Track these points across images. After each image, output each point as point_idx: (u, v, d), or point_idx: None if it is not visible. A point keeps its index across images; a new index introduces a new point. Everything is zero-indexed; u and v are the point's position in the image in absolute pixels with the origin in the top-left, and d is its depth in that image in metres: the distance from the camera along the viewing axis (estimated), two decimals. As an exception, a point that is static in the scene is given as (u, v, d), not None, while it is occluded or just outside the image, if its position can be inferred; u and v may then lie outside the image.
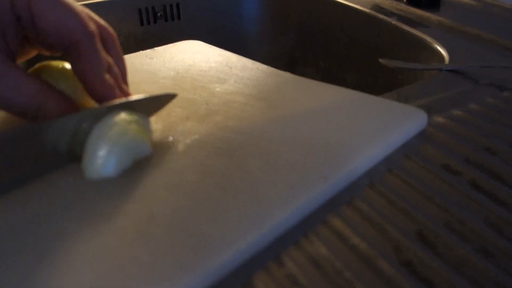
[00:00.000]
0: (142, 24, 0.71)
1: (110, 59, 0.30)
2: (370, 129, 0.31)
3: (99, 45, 0.28)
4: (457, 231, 0.24)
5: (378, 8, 0.64)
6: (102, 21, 0.31)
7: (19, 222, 0.23)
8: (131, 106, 0.28)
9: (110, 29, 0.31)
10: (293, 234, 0.24)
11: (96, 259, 0.21)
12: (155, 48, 0.47)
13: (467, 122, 0.34)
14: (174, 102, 0.36)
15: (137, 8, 0.70)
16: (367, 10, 0.63)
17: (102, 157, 0.26)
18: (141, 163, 0.28)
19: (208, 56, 0.46)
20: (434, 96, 0.39)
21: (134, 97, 0.29)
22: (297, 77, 0.40)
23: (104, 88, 0.28)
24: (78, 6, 0.28)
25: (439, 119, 0.35)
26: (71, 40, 0.27)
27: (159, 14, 0.73)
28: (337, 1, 0.68)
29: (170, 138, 0.30)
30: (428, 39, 0.52)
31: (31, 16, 0.26)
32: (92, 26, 0.28)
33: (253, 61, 0.44)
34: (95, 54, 0.28)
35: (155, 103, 0.31)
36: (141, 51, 0.46)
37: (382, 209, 0.25)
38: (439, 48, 0.50)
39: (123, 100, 0.28)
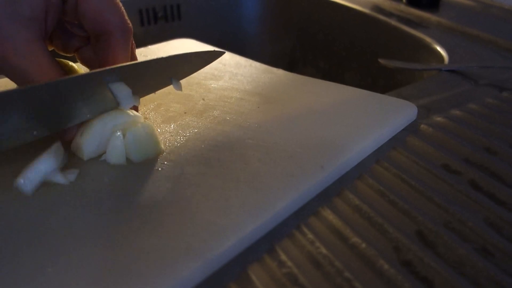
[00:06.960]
0: (142, 24, 0.71)
1: None
2: (362, 121, 0.32)
3: (130, 43, 0.29)
4: (457, 231, 0.24)
5: (377, 9, 0.64)
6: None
7: (30, 212, 0.24)
8: (185, 59, 0.29)
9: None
10: (287, 226, 0.24)
11: (104, 246, 0.21)
12: (149, 46, 0.47)
13: (466, 122, 0.34)
14: (171, 97, 0.36)
15: (137, 9, 0.70)
16: (366, 11, 0.63)
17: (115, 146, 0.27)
18: None
19: (201, 53, 0.46)
20: (433, 96, 0.39)
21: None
22: (289, 73, 0.41)
23: None
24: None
25: (439, 119, 0.35)
26: (105, 29, 0.28)
27: (159, 15, 0.73)
28: (337, 2, 0.68)
29: (170, 132, 0.31)
30: (428, 39, 0.52)
31: (76, 1, 0.28)
32: (130, 23, 0.29)
33: (246, 59, 0.44)
34: (126, 48, 0.29)
35: (203, 59, 0.32)
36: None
37: (382, 208, 0.25)
38: (438, 48, 0.50)
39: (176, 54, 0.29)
